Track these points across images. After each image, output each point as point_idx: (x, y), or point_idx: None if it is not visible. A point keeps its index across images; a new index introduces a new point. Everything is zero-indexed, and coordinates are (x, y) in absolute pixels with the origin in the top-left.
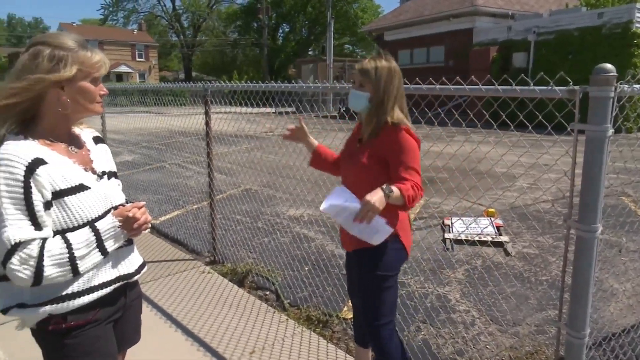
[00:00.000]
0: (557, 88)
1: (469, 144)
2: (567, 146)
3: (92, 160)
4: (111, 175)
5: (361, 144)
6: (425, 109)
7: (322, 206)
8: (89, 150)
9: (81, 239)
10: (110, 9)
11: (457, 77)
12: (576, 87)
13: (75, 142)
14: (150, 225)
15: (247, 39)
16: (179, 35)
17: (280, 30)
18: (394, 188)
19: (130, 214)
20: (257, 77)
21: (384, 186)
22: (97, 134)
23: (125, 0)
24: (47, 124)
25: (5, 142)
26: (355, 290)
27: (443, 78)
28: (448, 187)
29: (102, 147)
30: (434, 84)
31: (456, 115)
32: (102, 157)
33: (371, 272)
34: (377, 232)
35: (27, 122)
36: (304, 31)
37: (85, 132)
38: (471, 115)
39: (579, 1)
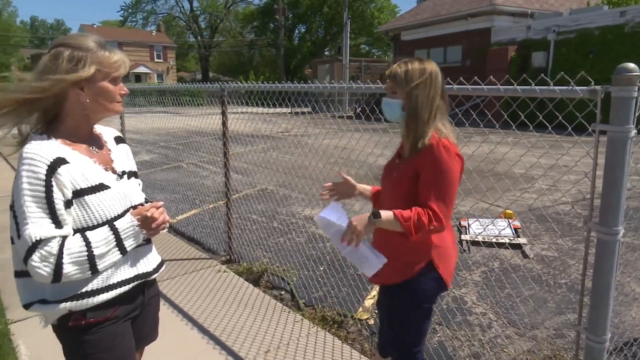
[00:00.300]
0: (578, 88)
1: (487, 145)
2: (588, 147)
3: (112, 160)
4: (131, 175)
5: (400, 160)
6: None
7: (315, 217)
8: (109, 150)
9: (100, 237)
10: (130, 10)
11: (475, 77)
12: (598, 87)
13: (96, 142)
14: (168, 225)
15: (263, 39)
16: (196, 36)
17: (297, 31)
18: (386, 214)
19: (149, 214)
20: (274, 77)
21: (371, 211)
22: (119, 134)
23: (144, 2)
24: (69, 123)
25: (29, 141)
26: (383, 311)
27: (461, 78)
28: (465, 188)
29: (123, 147)
30: (451, 84)
31: (474, 116)
32: (123, 157)
33: (401, 303)
34: (367, 261)
35: (50, 122)
36: (320, 31)
37: (107, 132)
38: (489, 116)
39: None
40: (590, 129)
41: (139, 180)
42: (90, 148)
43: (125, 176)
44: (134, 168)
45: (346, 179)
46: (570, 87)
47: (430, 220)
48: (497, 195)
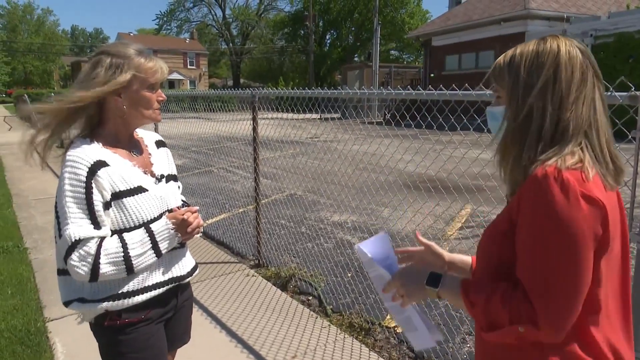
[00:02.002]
0: (617, 94)
1: None
2: (627, 155)
3: (152, 164)
4: (170, 178)
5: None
6: (475, 116)
7: (356, 246)
8: (150, 154)
9: (136, 239)
10: (165, 19)
11: None
12: (638, 93)
13: (137, 146)
14: (202, 229)
15: (294, 46)
16: (228, 43)
17: (327, 37)
18: (450, 283)
19: (185, 217)
20: (303, 83)
21: (434, 273)
22: (160, 138)
23: (178, 10)
24: (109, 128)
25: (73, 145)
26: None
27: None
28: (497, 195)
29: (164, 151)
30: (483, 90)
31: None
32: (163, 161)
33: None
34: (414, 330)
35: (94, 127)
36: (350, 37)
37: (149, 137)
38: None
39: None
40: (630, 136)
41: (178, 184)
42: (131, 152)
43: (164, 180)
44: (174, 172)
45: (427, 245)
46: (609, 93)
47: (518, 315)
48: None
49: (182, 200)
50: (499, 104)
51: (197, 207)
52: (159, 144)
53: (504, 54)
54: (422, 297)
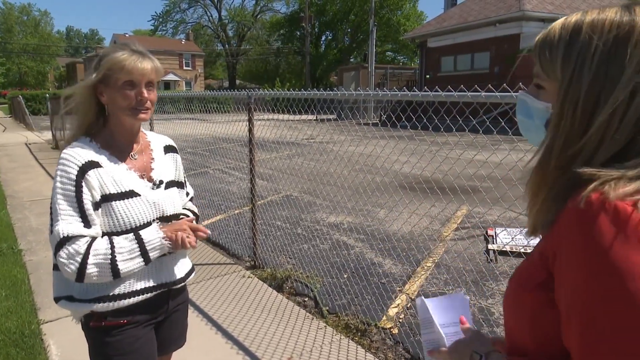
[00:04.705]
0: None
1: (515, 153)
2: None
3: (152, 169)
4: (172, 184)
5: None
6: (470, 117)
7: (419, 299)
8: (152, 159)
9: (125, 247)
10: (160, 20)
11: (504, 84)
12: None
13: (138, 148)
14: (196, 246)
15: (290, 47)
16: (224, 44)
17: (323, 38)
18: None
19: (182, 228)
20: (299, 84)
21: (476, 355)
22: (171, 143)
23: (174, 11)
24: (109, 129)
25: (71, 143)
26: None
27: (489, 85)
28: (492, 196)
29: (171, 156)
30: (479, 91)
31: (502, 123)
32: (167, 167)
33: None
34: None
35: (99, 127)
36: (346, 39)
37: (158, 140)
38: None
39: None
40: None
41: (185, 190)
42: (130, 154)
43: (163, 185)
44: (180, 178)
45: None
46: None
47: None
48: (525, 204)
49: (189, 209)
50: (537, 95)
51: (209, 231)
52: (168, 149)
53: (559, 22)
54: None
